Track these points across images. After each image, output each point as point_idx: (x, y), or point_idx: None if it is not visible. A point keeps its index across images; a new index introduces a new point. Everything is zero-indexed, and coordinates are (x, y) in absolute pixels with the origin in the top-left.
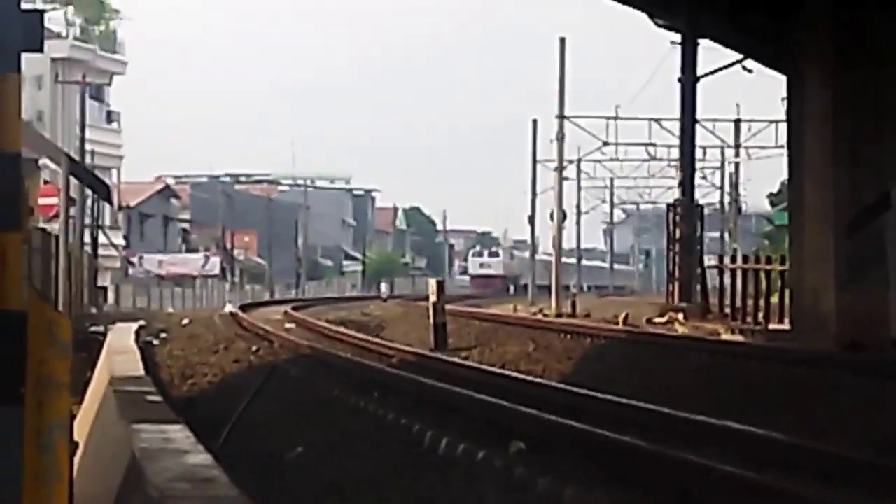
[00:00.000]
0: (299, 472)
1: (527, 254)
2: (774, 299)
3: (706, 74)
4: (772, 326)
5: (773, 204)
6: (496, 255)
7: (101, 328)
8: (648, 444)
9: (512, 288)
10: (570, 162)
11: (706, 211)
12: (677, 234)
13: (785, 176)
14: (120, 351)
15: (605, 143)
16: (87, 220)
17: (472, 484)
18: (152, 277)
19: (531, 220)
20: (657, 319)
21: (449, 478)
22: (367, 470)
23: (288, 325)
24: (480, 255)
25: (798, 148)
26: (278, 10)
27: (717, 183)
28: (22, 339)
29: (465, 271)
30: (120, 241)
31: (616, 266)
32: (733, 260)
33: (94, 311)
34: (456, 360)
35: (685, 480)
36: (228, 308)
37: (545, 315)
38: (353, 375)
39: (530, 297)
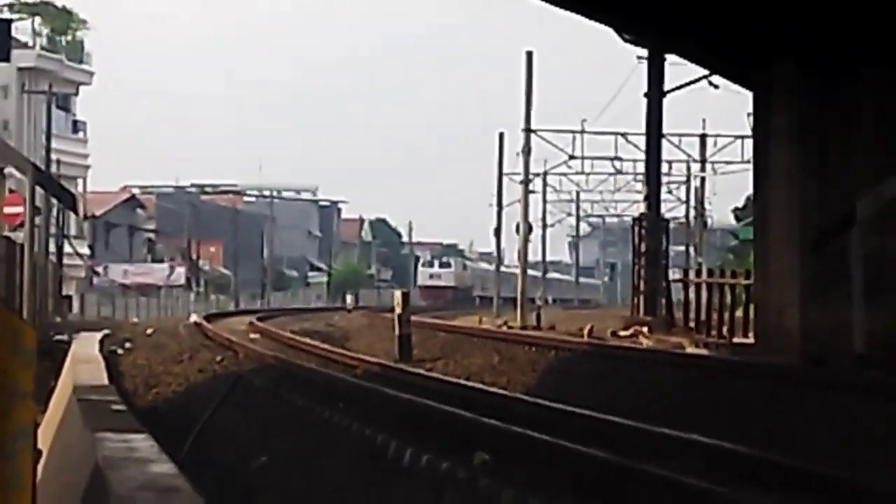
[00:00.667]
0: (263, 481)
1: (481, 264)
2: (739, 313)
3: (673, 89)
4: (736, 340)
5: (738, 219)
6: (447, 265)
7: (65, 337)
8: (612, 455)
9: (475, 300)
10: (537, 175)
11: (672, 225)
12: (643, 248)
13: (750, 191)
14: (84, 360)
15: (572, 157)
16: (53, 230)
17: (436, 494)
18: (117, 287)
19: (497, 232)
20: (622, 332)
21: (413, 488)
22: (332, 480)
23: (253, 336)
24: (431, 264)
25: (764, 163)
26: (246, 21)
27: (683, 197)
28: None
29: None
30: (85, 251)
31: (581, 279)
32: (698, 274)
33: (58, 319)
34: (420, 371)
35: (649, 492)
36: (193, 318)
37: (510, 327)
38: (318, 386)
39: (495, 310)
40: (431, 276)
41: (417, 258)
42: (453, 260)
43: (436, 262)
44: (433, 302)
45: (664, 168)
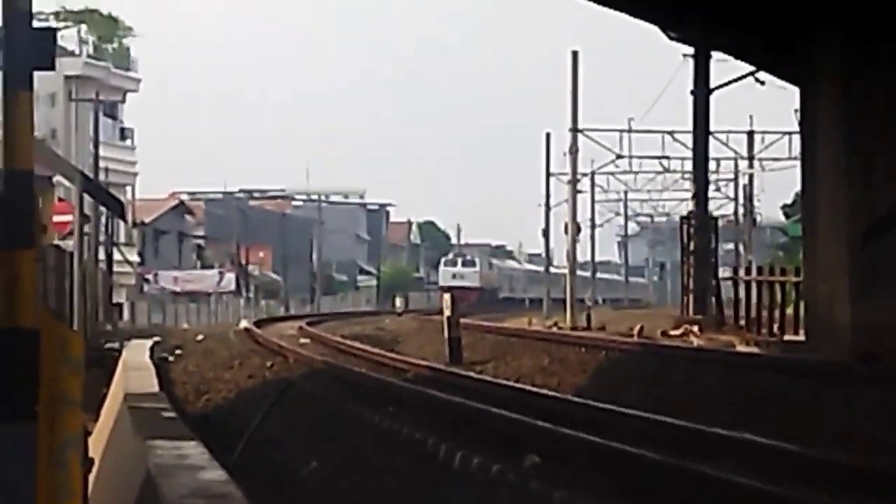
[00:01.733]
0: (314, 487)
1: (508, 263)
2: (789, 311)
3: (719, 87)
4: (787, 338)
5: (787, 215)
6: (471, 263)
7: (116, 345)
8: (664, 456)
9: (502, 302)
10: (584, 175)
11: (720, 223)
12: (692, 247)
13: (799, 187)
14: (135, 367)
15: (619, 156)
16: (102, 238)
17: (486, 498)
18: (167, 294)
19: (545, 233)
20: (672, 332)
21: (464, 492)
22: (382, 484)
23: (303, 340)
24: (454, 263)
25: (811, 160)
26: (290, 25)
27: (731, 195)
28: (35, 356)
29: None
30: (135, 258)
31: (630, 279)
32: (748, 272)
33: (109, 327)
34: (471, 373)
35: (701, 493)
36: (243, 324)
37: (560, 328)
38: (368, 390)
39: (545, 310)
40: (454, 277)
41: (440, 257)
42: (478, 258)
43: (459, 261)
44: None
45: (712, 166)
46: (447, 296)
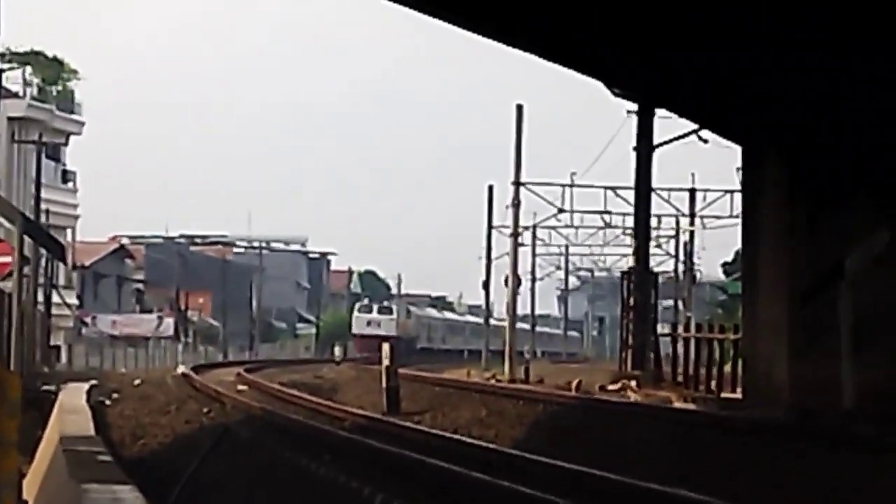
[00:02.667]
0: None
1: (428, 311)
2: (727, 368)
3: (662, 143)
4: (724, 395)
5: (727, 273)
6: (388, 310)
7: (52, 387)
8: None
9: (418, 352)
10: (526, 228)
11: (661, 279)
12: (631, 302)
13: (739, 245)
14: (71, 410)
15: (561, 210)
16: (41, 280)
17: None
18: (105, 337)
19: (486, 285)
20: (610, 386)
21: None
22: None
23: (240, 387)
24: (368, 309)
25: (753, 217)
26: (231, 70)
27: (672, 251)
28: None
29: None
30: (73, 301)
31: (567, 332)
32: (687, 328)
33: (46, 369)
34: (408, 423)
35: None
36: (181, 369)
37: (498, 380)
38: (306, 438)
39: (483, 362)
40: (369, 324)
41: (354, 303)
42: (395, 305)
43: (374, 307)
44: (370, 354)
45: (653, 222)
46: (386, 346)
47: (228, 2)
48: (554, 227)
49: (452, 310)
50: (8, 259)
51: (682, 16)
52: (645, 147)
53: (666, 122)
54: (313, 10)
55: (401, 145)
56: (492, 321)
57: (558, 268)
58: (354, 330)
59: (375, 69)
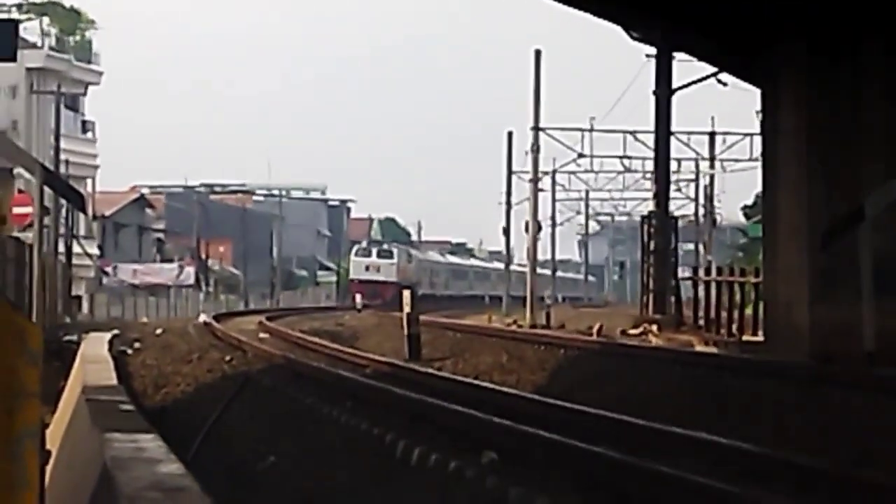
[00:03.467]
0: (272, 481)
1: (430, 254)
2: (748, 311)
3: (681, 87)
4: (746, 338)
5: (747, 216)
6: (388, 254)
7: (74, 337)
8: (621, 454)
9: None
10: (545, 174)
11: (681, 223)
12: (652, 247)
13: (759, 189)
14: (93, 360)
15: (581, 155)
16: (62, 230)
17: (444, 493)
18: (126, 287)
19: (506, 231)
20: (631, 331)
21: (421, 487)
22: (340, 479)
23: (262, 335)
24: (367, 253)
25: (772, 162)
26: (253, 20)
27: (692, 195)
28: None
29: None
30: (94, 251)
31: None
32: (707, 272)
33: (67, 320)
34: (429, 370)
35: (658, 491)
36: (202, 318)
37: (519, 326)
38: (327, 385)
39: (504, 308)
40: (367, 269)
41: (351, 245)
42: (396, 248)
43: (374, 251)
44: (369, 301)
45: (673, 166)
46: (406, 292)
47: None
48: (573, 172)
49: (474, 255)
50: (28, 210)
51: None
52: (664, 91)
53: (685, 66)
54: None
55: (420, 95)
56: (512, 266)
57: (578, 213)
58: (352, 275)
59: (397, 24)
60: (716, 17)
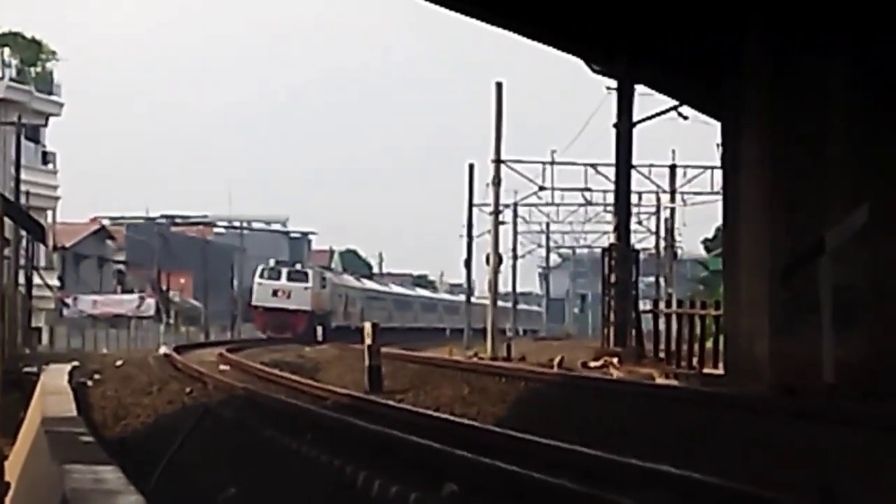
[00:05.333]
0: None
1: (345, 277)
2: (709, 344)
3: (642, 120)
4: (706, 371)
5: (708, 249)
6: (302, 276)
7: (34, 369)
8: (582, 486)
9: (319, 331)
10: (507, 206)
11: (642, 256)
12: (613, 279)
13: (720, 222)
14: (53, 392)
15: (542, 188)
16: (22, 261)
17: None
18: (86, 318)
19: (467, 263)
20: (592, 363)
21: None
22: None
23: (222, 367)
24: (276, 274)
25: (733, 194)
26: (213, 48)
27: (653, 228)
28: None
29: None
30: (55, 282)
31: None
32: (668, 305)
33: (27, 351)
34: (390, 402)
35: None
36: (163, 349)
37: (480, 358)
38: (287, 417)
39: (465, 341)
40: (276, 294)
41: (256, 267)
42: (310, 271)
43: (283, 272)
44: (274, 333)
45: (634, 199)
46: (368, 325)
47: None
48: (535, 205)
49: (435, 288)
50: None
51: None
52: (625, 124)
53: (646, 99)
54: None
55: (381, 126)
56: (473, 299)
57: (539, 245)
58: (256, 300)
59: (359, 54)
60: (677, 51)
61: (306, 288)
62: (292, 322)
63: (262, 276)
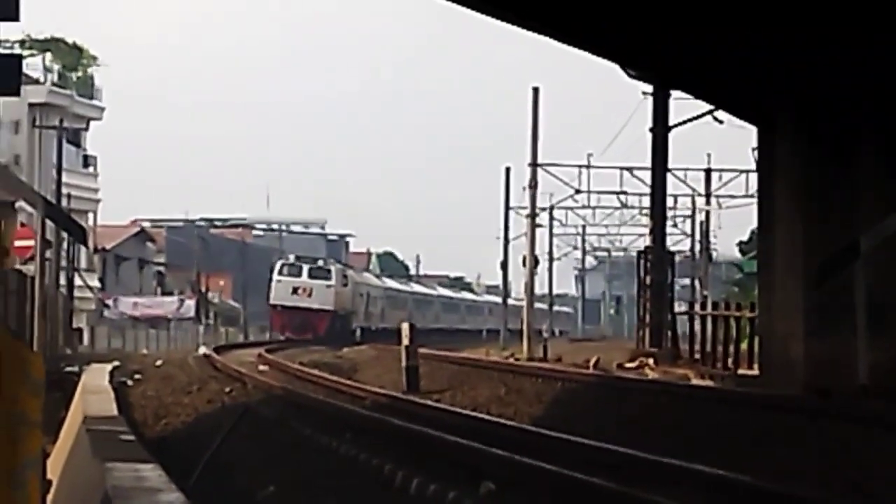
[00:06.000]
0: None
1: (366, 275)
2: (744, 346)
3: (677, 125)
4: (741, 372)
5: (743, 252)
6: (324, 273)
7: (75, 368)
8: (618, 485)
9: (358, 332)
10: (543, 209)
11: (677, 258)
12: (648, 281)
13: (755, 225)
14: (94, 391)
15: (578, 191)
16: (64, 263)
17: None
18: (127, 319)
19: (503, 265)
20: (628, 364)
21: None
22: None
23: (261, 367)
24: (297, 271)
25: (768, 198)
26: (253, 53)
27: (688, 231)
28: None
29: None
30: (95, 284)
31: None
32: (703, 306)
33: (69, 351)
34: (428, 402)
35: None
36: (202, 350)
37: (517, 359)
38: (326, 416)
39: (502, 341)
40: (296, 292)
41: (275, 262)
42: (333, 267)
43: (305, 269)
44: (296, 335)
45: (669, 202)
46: (405, 325)
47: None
48: (571, 208)
49: (472, 290)
50: (30, 243)
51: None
52: (661, 128)
53: (681, 103)
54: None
55: (421, 129)
56: (510, 301)
57: (575, 248)
58: (273, 299)
59: (396, 58)
60: (712, 56)
61: (329, 286)
62: (314, 322)
63: (280, 272)
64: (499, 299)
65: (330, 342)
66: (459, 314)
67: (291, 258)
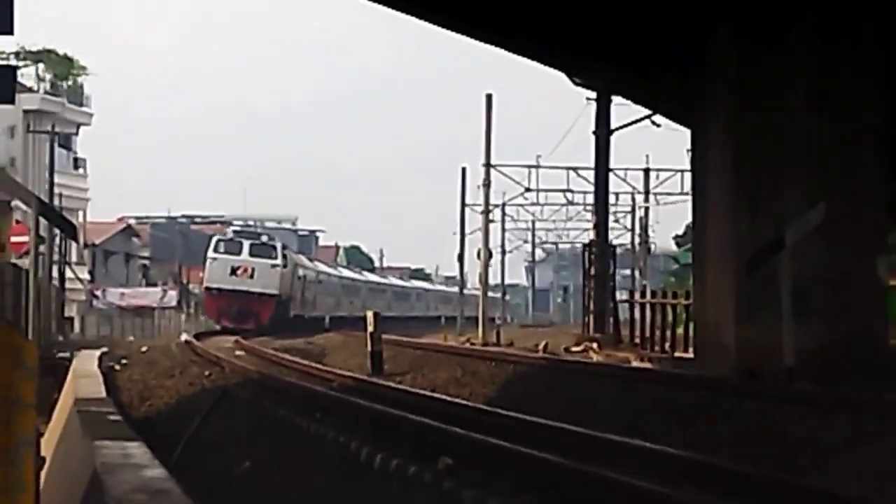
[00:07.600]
0: (247, 484)
1: (300, 257)
2: (680, 331)
3: (618, 128)
4: (677, 355)
5: (678, 245)
6: (269, 251)
7: (67, 354)
8: (566, 459)
9: (327, 319)
10: (496, 206)
11: (618, 251)
12: (592, 272)
13: (689, 220)
14: (84, 375)
15: (528, 190)
16: (56, 257)
17: (404, 495)
18: (114, 309)
19: (460, 258)
20: (574, 348)
21: (383, 489)
22: (309, 482)
23: (238, 353)
24: (236, 248)
25: (701, 196)
26: (227, 60)
27: (629, 226)
28: None
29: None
30: (85, 276)
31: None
32: (643, 295)
33: (61, 339)
34: (391, 384)
35: (599, 493)
36: (184, 337)
37: (472, 344)
38: (297, 397)
39: (458, 328)
40: (235, 272)
41: (210, 238)
42: (278, 244)
43: (245, 245)
44: (236, 324)
45: (611, 199)
46: (370, 313)
47: (225, 4)
48: (521, 205)
49: (430, 281)
50: (25, 239)
51: (631, 13)
52: (603, 131)
53: (622, 109)
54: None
55: (384, 134)
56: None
57: (526, 241)
58: (207, 282)
59: (361, 68)
60: (649, 64)
61: (274, 265)
62: (255, 309)
63: (216, 249)
64: (450, 289)
65: (274, 333)
66: (409, 302)
67: (229, 233)
